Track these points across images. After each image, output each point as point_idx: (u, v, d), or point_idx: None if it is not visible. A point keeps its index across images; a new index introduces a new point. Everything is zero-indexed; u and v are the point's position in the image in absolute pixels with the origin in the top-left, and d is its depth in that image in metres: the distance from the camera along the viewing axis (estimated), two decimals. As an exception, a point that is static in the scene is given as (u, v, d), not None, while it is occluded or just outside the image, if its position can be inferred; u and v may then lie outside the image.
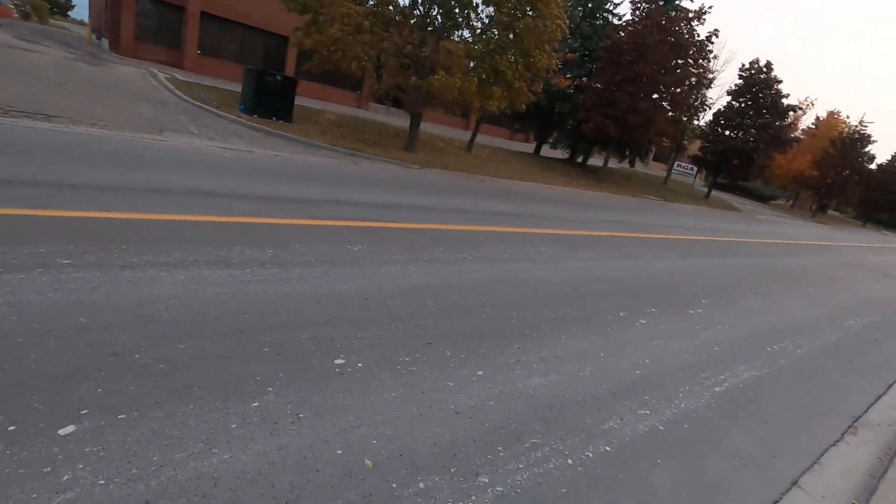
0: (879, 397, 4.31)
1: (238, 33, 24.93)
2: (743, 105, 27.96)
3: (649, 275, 6.75)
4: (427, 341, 3.26)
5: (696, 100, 21.91)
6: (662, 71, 19.49)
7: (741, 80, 28.06)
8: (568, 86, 22.10)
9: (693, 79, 20.70)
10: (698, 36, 20.14)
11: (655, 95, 20.49)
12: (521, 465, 2.31)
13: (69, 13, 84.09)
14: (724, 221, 19.41)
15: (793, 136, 30.39)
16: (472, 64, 13.48)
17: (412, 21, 13.33)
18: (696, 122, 28.50)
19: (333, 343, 2.95)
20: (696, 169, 32.25)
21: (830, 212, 51.81)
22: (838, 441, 3.37)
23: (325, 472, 2.00)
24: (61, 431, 1.88)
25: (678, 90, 20.52)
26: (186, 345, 2.58)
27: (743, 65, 28.24)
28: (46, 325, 2.48)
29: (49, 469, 1.71)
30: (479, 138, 20.91)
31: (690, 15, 19.94)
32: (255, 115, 12.67)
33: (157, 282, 3.16)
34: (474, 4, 13.15)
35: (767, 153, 27.47)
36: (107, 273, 3.12)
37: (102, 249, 3.43)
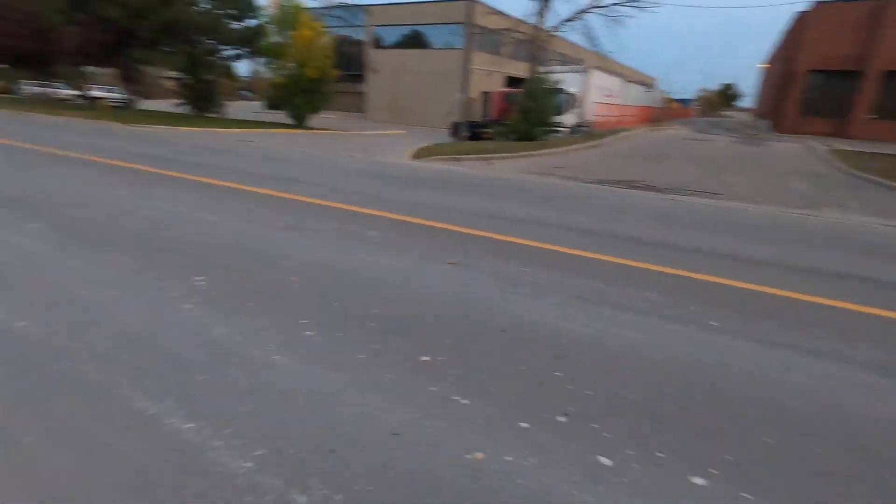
0: None
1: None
2: None
3: None
4: None
5: None
6: None
7: None
8: None
9: None
10: None
11: None
12: None
13: (733, 102, 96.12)
14: None
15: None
16: None
17: None
18: None
19: None
20: None
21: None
22: None
23: None
24: (695, 480, 2.06)
25: None
26: (838, 451, 2.24)
27: None
28: (725, 393, 2.82)
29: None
30: None
31: None
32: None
33: (794, 367, 2.95)
34: None
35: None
36: (749, 343, 3.22)
37: (744, 318, 3.58)
